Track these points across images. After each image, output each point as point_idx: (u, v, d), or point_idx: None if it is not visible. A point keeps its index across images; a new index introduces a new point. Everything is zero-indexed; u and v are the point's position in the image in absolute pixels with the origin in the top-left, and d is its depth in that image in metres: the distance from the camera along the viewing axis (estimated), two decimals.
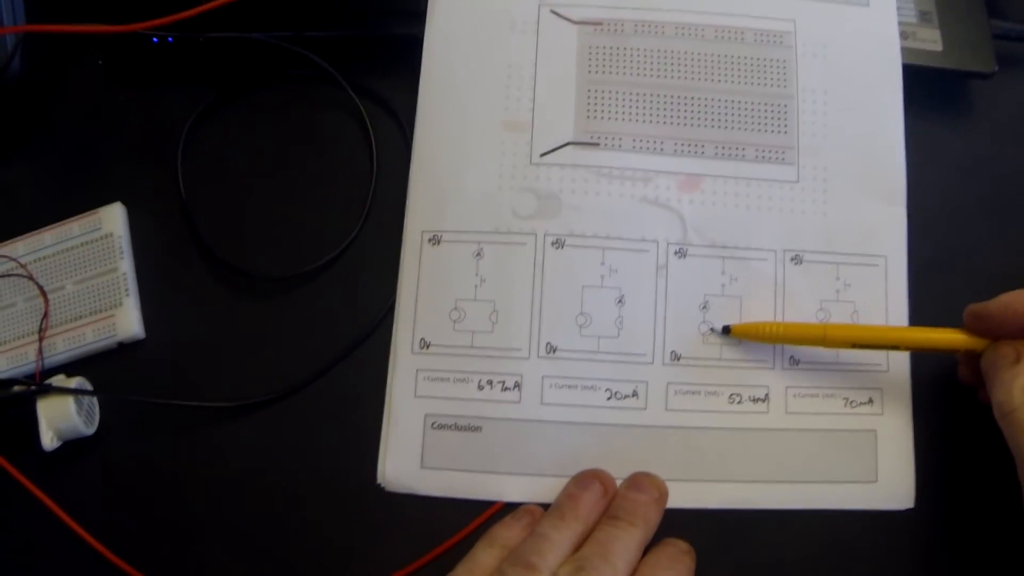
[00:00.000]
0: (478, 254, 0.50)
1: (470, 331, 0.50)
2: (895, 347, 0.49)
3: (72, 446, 0.52)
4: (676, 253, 0.50)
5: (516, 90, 0.52)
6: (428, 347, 0.50)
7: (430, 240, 0.51)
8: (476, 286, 0.50)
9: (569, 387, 0.49)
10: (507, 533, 0.48)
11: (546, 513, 0.48)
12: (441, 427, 0.49)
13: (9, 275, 0.55)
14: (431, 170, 0.52)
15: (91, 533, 0.51)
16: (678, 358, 0.50)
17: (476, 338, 0.50)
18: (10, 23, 0.55)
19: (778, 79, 0.52)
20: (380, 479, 0.50)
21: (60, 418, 0.51)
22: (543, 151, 0.51)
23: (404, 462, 0.50)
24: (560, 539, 0.46)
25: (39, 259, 0.55)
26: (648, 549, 0.47)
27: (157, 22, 0.52)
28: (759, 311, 0.50)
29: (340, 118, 0.55)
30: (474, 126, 0.52)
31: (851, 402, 0.50)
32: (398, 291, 0.51)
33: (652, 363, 0.50)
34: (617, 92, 0.51)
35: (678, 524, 0.49)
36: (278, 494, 0.52)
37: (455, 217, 0.51)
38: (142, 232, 0.55)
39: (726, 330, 0.49)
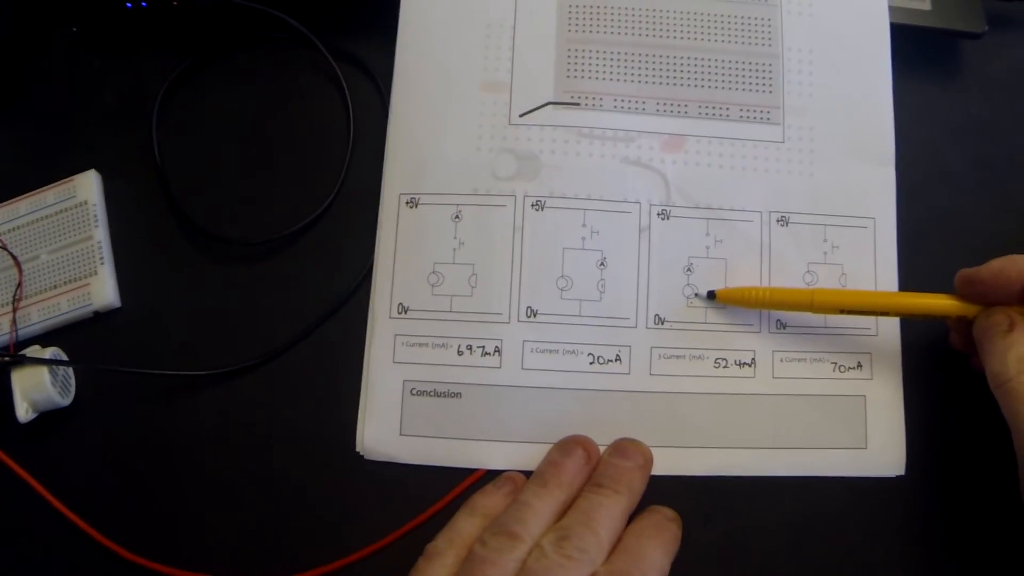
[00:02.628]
0: (456, 216, 0.49)
1: (449, 295, 0.49)
2: (884, 313, 0.48)
3: (48, 417, 0.52)
4: (659, 215, 0.49)
5: (495, 50, 0.51)
6: (406, 312, 0.49)
7: (408, 203, 0.50)
8: (455, 249, 0.49)
9: (550, 352, 0.48)
10: (489, 501, 0.47)
11: (528, 481, 0.47)
12: (420, 393, 0.48)
13: None
14: (408, 132, 0.51)
15: (68, 505, 0.50)
16: (662, 322, 0.49)
17: (455, 302, 0.49)
18: None
19: (762, 37, 0.51)
20: (359, 447, 0.50)
21: (35, 389, 0.50)
22: (522, 111, 0.50)
23: (383, 429, 0.49)
24: (543, 507, 0.45)
25: (14, 228, 0.54)
26: (633, 517, 0.46)
27: None
28: (745, 274, 0.49)
29: (317, 81, 0.54)
30: (452, 87, 0.51)
31: (839, 367, 0.49)
32: (375, 255, 0.50)
33: (635, 327, 0.49)
34: (598, 51, 0.50)
35: (664, 491, 0.48)
36: (258, 463, 0.51)
37: (433, 179, 0.50)
38: (117, 199, 0.54)
39: (711, 295, 0.48)
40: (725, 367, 0.49)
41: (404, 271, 0.50)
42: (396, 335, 0.49)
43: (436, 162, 0.51)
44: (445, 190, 0.50)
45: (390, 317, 0.49)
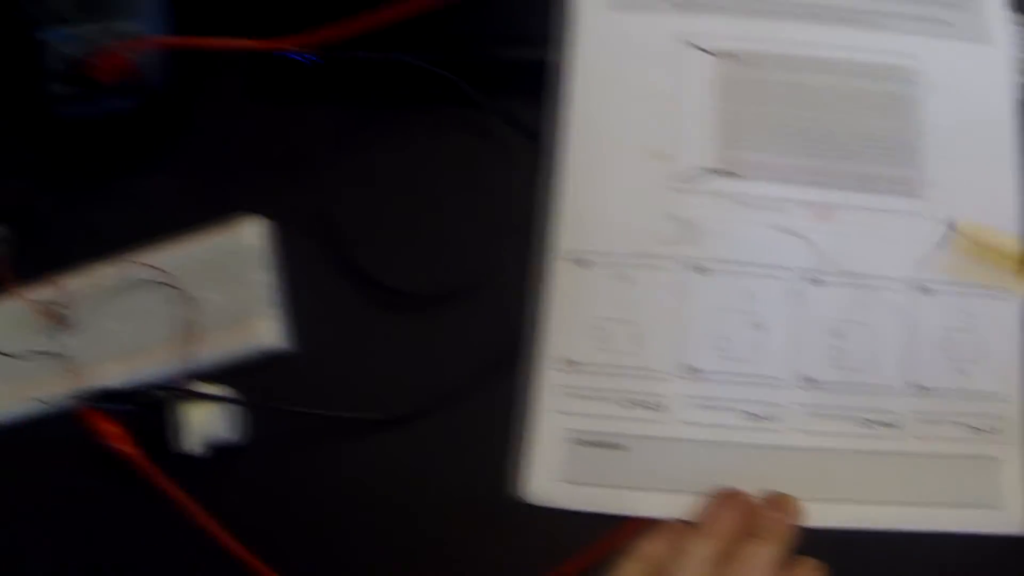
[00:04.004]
0: (622, 277, 0.52)
1: (614, 351, 0.52)
2: None
3: (214, 452, 0.54)
4: (811, 281, 0.52)
5: (657, 119, 0.54)
6: (572, 366, 0.52)
7: (576, 262, 0.53)
8: (621, 308, 0.52)
9: (708, 407, 0.51)
10: (650, 548, 0.50)
11: (688, 530, 0.50)
12: (584, 443, 0.51)
13: (153, 283, 0.56)
14: (575, 194, 0.54)
15: (232, 536, 0.52)
16: (811, 382, 0.51)
17: (620, 358, 0.52)
18: (151, 37, 0.56)
19: (905, 114, 0.54)
20: (523, 492, 0.52)
21: (204, 423, 0.53)
22: (684, 179, 0.53)
23: (547, 476, 0.52)
24: (701, 554, 0.48)
25: (181, 268, 0.56)
26: (782, 567, 0.48)
27: (303, 40, 0.54)
28: (886, 341, 0.52)
29: (480, 140, 0.57)
30: (618, 153, 0.54)
31: (976, 429, 0.52)
32: (543, 311, 0.53)
33: (787, 386, 0.51)
34: (754, 123, 0.53)
35: (810, 542, 0.50)
36: (420, 505, 0.54)
37: (599, 240, 0.53)
38: (283, 245, 0.57)
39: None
40: (869, 427, 0.51)
41: (571, 327, 0.53)
42: (562, 387, 0.52)
43: (602, 224, 0.54)
44: (611, 251, 0.53)
45: (557, 370, 0.52)
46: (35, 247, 0.58)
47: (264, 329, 0.54)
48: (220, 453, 0.54)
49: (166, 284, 0.55)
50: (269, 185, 0.58)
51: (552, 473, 0.51)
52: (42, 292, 0.57)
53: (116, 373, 0.56)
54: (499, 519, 0.52)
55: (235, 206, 0.58)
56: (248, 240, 0.55)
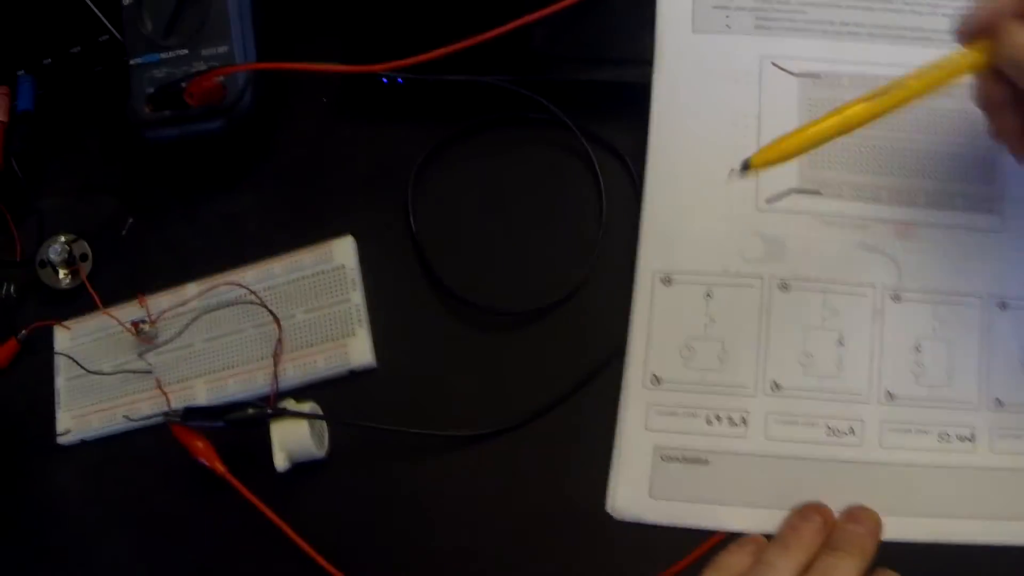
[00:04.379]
0: (708, 295, 0.53)
1: (700, 368, 0.53)
2: (913, 96, 0.47)
3: (301, 469, 0.55)
4: (892, 297, 0.53)
5: (742, 138, 0.55)
6: (659, 382, 0.53)
7: (662, 280, 0.54)
8: (706, 325, 0.53)
9: (792, 423, 0.52)
10: (733, 560, 0.51)
11: (770, 543, 0.51)
12: (670, 459, 0.52)
13: (239, 302, 0.57)
14: (662, 213, 0.55)
15: (319, 553, 0.54)
16: (892, 398, 0.52)
17: (705, 375, 0.53)
18: (242, 61, 0.58)
19: (983, 131, 0.54)
20: (609, 507, 0.53)
21: (294, 441, 0.53)
22: (769, 197, 0.54)
23: (633, 492, 0.53)
24: (784, 568, 0.49)
25: (269, 287, 0.58)
26: None
27: (392, 64, 0.55)
28: (965, 356, 0.53)
29: (567, 160, 0.58)
30: (703, 172, 0.55)
31: None
32: (631, 328, 0.54)
33: (868, 402, 0.52)
34: (837, 142, 0.54)
35: (890, 555, 0.51)
36: (505, 521, 0.54)
37: (686, 259, 0.55)
38: (372, 264, 0.58)
39: (745, 166, 0.48)
40: (948, 441, 0.52)
41: (658, 344, 0.54)
42: (649, 404, 0.53)
43: (688, 242, 0.55)
44: (697, 269, 0.54)
45: (644, 387, 0.53)
46: (123, 266, 0.60)
47: (354, 348, 0.55)
48: (307, 469, 0.55)
49: (254, 303, 0.56)
50: (356, 204, 0.59)
51: (638, 489, 0.53)
52: (130, 311, 0.58)
53: (204, 391, 0.57)
54: (585, 535, 0.53)
55: (322, 225, 0.59)
56: (338, 259, 0.57)
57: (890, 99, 0.47)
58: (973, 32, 0.46)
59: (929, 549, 0.52)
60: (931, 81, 0.47)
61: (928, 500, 0.53)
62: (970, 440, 0.52)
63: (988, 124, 0.50)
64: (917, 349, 0.53)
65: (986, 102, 0.49)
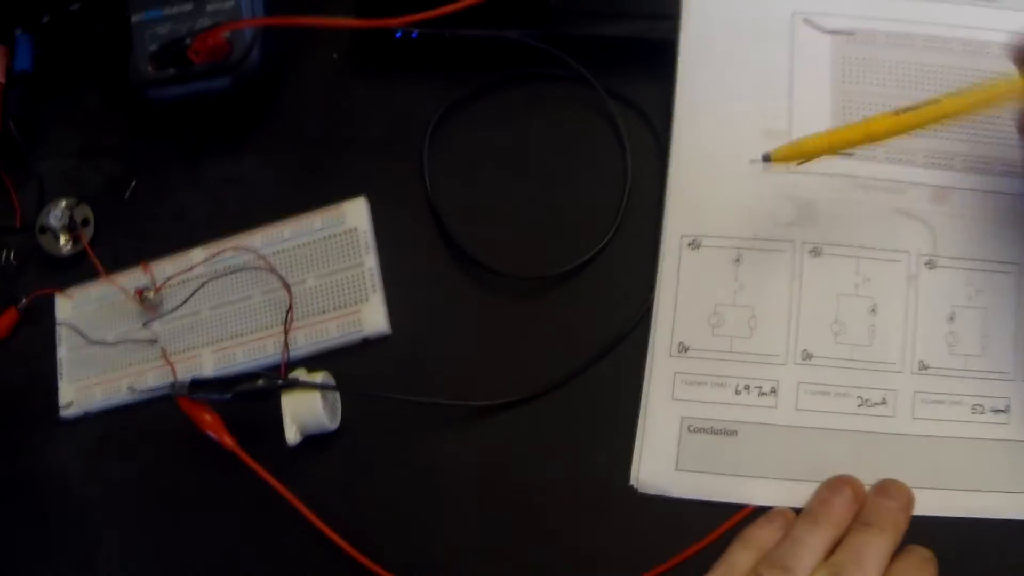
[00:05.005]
0: (737, 259, 0.52)
1: (728, 336, 0.51)
2: (947, 117, 0.47)
3: (312, 441, 0.53)
4: (926, 264, 0.51)
5: (772, 98, 0.53)
6: (686, 351, 0.51)
7: (689, 244, 0.52)
8: (735, 291, 0.51)
9: (823, 394, 0.51)
10: (762, 534, 0.49)
11: (800, 517, 0.49)
12: (697, 430, 0.50)
13: (247, 267, 0.55)
14: (689, 175, 0.53)
15: (331, 528, 0.52)
16: (925, 368, 0.51)
17: (734, 343, 0.51)
18: (249, 16, 0.56)
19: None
20: (634, 480, 0.52)
21: (306, 413, 0.51)
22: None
23: (659, 464, 0.52)
24: (814, 543, 0.47)
25: (278, 252, 0.56)
26: (893, 556, 0.47)
27: (408, 19, 0.53)
28: (1000, 326, 0.51)
29: (590, 119, 0.56)
30: (732, 133, 0.53)
31: None
32: (656, 294, 0.52)
33: (901, 372, 0.51)
34: (870, 103, 0.52)
35: (921, 531, 0.49)
36: (524, 494, 0.53)
37: (714, 222, 0.53)
38: (385, 227, 0.56)
39: (766, 158, 0.49)
40: (981, 413, 0.50)
41: (685, 311, 0.52)
42: (676, 373, 0.51)
43: (717, 206, 0.53)
44: (726, 233, 0.52)
45: (670, 355, 0.51)
46: (126, 231, 0.58)
47: (368, 315, 0.53)
48: (318, 441, 0.53)
49: (263, 268, 0.54)
50: (368, 165, 0.57)
51: (663, 461, 0.51)
52: (134, 278, 0.56)
53: (211, 360, 0.55)
54: (608, 510, 0.51)
55: (333, 188, 0.57)
56: (351, 222, 0.55)
57: (918, 117, 0.46)
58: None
59: (962, 523, 0.50)
60: (967, 104, 0.46)
61: (961, 474, 0.51)
62: (1004, 412, 0.50)
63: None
64: (951, 318, 0.51)
65: None
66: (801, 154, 0.48)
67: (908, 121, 0.46)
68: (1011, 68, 0.47)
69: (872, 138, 0.47)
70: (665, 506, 0.51)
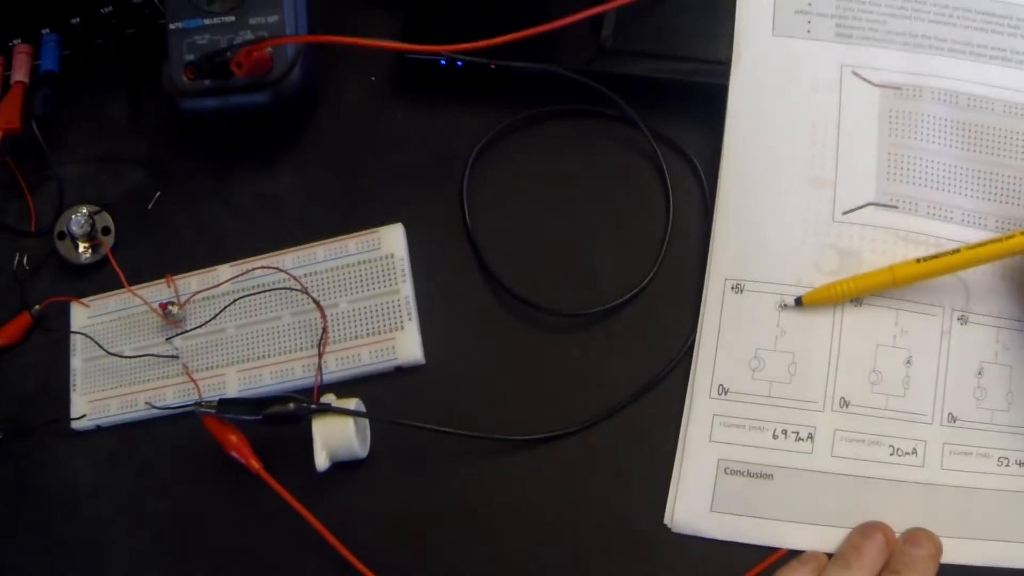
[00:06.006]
0: (780, 306, 0.51)
1: (768, 380, 0.52)
2: (968, 265, 0.51)
3: (340, 469, 0.53)
4: (959, 320, 0.52)
5: (820, 147, 0.53)
6: (726, 393, 0.51)
7: (733, 288, 0.52)
8: (776, 337, 0.52)
9: (857, 441, 0.52)
10: None
11: (832, 560, 0.50)
12: (733, 472, 0.51)
13: (277, 287, 0.54)
14: (736, 220, 0.53)
15: (357, 558, 0.51)
16: (954, 420, 0.52)
17: (773, 388, 0.52)
18: (293, 32, 0.55)
19: None
20: (668, 520, 0.52)
21: (337, 439, 0.51)
22: (846, 209, 0.53)
23: (694, 505, 0.52)
24: None
25: (309, 273, 0.55)
26: None
27: (456, 47, 0.53)
28: None
29: (633, 159, 0.56)
30: (780, 180, 0.54)
31: None
32: (698, 336, 0.53)
33: (931, 423, 0.52)
34: (915, 157, 0.53)
35: None
36: (556, 531, 0.52)
37: (758, 267, 0.53)
38: (422, 256, 0.55)
39: (798, 301, 0.53)
40: (1007, 465, 0.52)
41: (726, 354, 0.53)
42: (714, 415, 0.52)
43: (762, 251, 0.54)
44: (770, 279, 0.52)
45: (710, 397, 0.52)
46: (148, 243, 0.57)
47: (402, 343, 0.53)
48: (346, 469, 0.52)
49: (294, 289, 0.53)
50: (406, 192, 0.56)
51: (699, 502, 0.51)
52: (155, 291, 0.55)
53: (235, 380, 0.54)
54: (641, 549, 0.51)
55: (368, 213, 0.56)
56: (387, 248, 0.54)
57: (939, 265, 0.52)
58: None
59: (987, 573, 0.51)
60: (984, 256, 0.50)
61: (987, 524, 0.52)
62: None
63: None
64: (979, 373, 0.52)
65: None
66: (830, 298, 0.53)
67: (929, 269, 0.51)
68: None
69: (895, 284, 0.52)
70: (699, 547, 0.51)
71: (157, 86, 0.57)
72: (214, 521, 0.54)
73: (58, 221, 0.58)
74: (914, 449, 0.51)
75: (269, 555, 0.53)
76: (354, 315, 0.54)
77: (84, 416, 0.56)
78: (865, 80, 0.54)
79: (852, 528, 0.51)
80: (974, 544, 0.52)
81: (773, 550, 0.51)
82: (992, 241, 0.50)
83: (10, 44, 0.60)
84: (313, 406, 0.51)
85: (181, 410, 0.54)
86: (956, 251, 0.51)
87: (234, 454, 0.51)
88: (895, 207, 0.53)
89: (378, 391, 0.54)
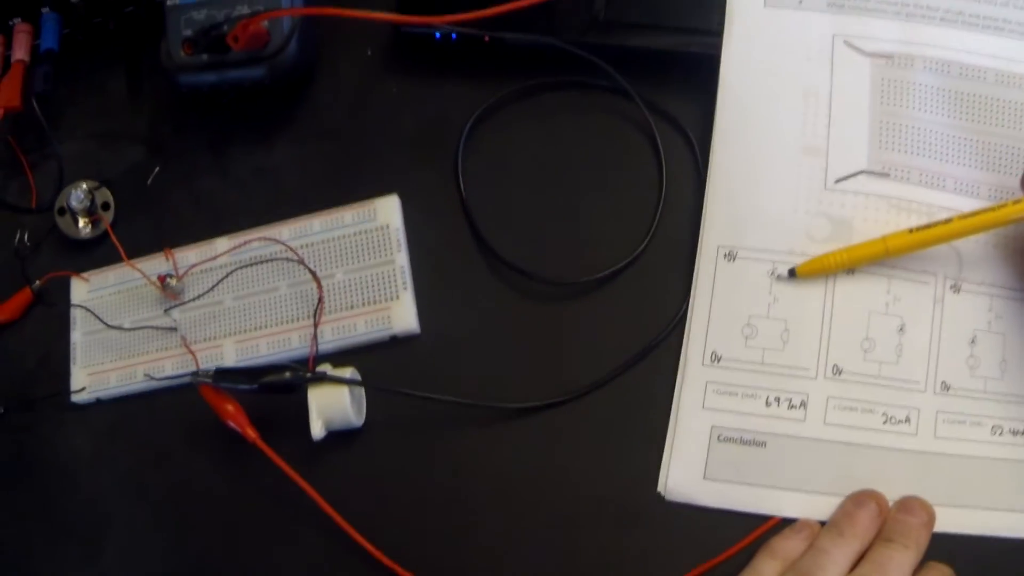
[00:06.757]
0: (772, 273, 0.52)
1: (761, 348, 0.52)
2: (962, 235, 0.51)
3: (336, 437, 0.53)
4: (952, 288, 0.52)
5: (812, 116, 0.54)
6: (719, 360, 0.51)
7: (726, 256, 0.52)
8: (769, 304, 0.52)
9: (850, 409, 0.52)
10: (787, 545, 0.50)
11: (825, 528, 0.50)
12: (727, 440, 0.51)
13: (274, 259, 0.55)
14: (728, 188, 0.54)
15: (353, 526, 0.51)
16: (947, 388, 0.52)
17: (766, 355, 0.52)
18: (288, 5, 0.55)
19: None
20: (662, 488, 0.52)
21: (332, 408, 0.51)
22: (838, 177, 0.53)
23: (687, 472, 0.52)
24: (839, 555, 0.48)
25: (306, 245, 0.55)
26: (914, 571, 0.48)
27: (451, 18, 0.53)
28: (1018, 351, 0.52)
29: (627, 129, 0.56)
30: (772, 148, 0.54)
31: None
32: (691, 304, 0.53)
33: (924, 391, 0.52)
34: (906, 126, 0.53)
35: (941, 548, 0.50)
36: (550, 498, 0.52)
37: (751, 235, 0.53)
38: (417, 227, 0.56)
39: (791, 273, 0.53)
40: (1000, 434, 0.52)
41: (719, 321, 0.53)
42: (708, 382, 0.52)
43: (754, 219, 0.54)
44: (762, 247, 0.53)
45: (703, 364, 0.52)
46: (147, 218, 0.57)
47: (398, 313, 0.53)
48: (341, 438, 0.53)
49: (290, 260, 0.53)
50: (401, 164, 0.57)
51: (692, 470, 0.52)
52: (154, 264, 0.55)
53: (233, 351, 0.54)
54: (634, 517, 0.51)
55: (364, 185, 0.57)
56: (383, 219, 0.54)
57: (931, 235, 0.52)
58: None
59: (982, 542, 0.51)
60: (976, 226, 0.50)
61: (981, 492, 0.52)
62: (1023, 434, 0.50)
63: None
64: (973, 341, 0.52)
65: None
66: (823, 269, 0.53)
67: (922, 239, 0.51)
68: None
69: (888, 254, 0.52)
70: (692, 514, 0.51)
71: (156, 63, 0.57)
72: (211, 490, 0.54)
73: (58, 197, 0.59)
74: (907, 417, 0.51)
75: (265, 523, 0.53)
76: (350, 285, 0.54)
77: (84, 389, 0.56)
78: (857, 49, 0.54)
79: (845, 496, 0.51)
80: (967, 512, 0.52)
81: (766, 518, 0.51)
82: (985, 210, 0.50)
83: (10, 23, 0.60)
84: (309, 375, 0.51)
85: (179, 381, 0.54)
86: (948, 221, 0.51)
87: (231, 423, 0.51)
88: (887, 175, 0.53)
89: (374, 361, 0.54)
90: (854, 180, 0.53)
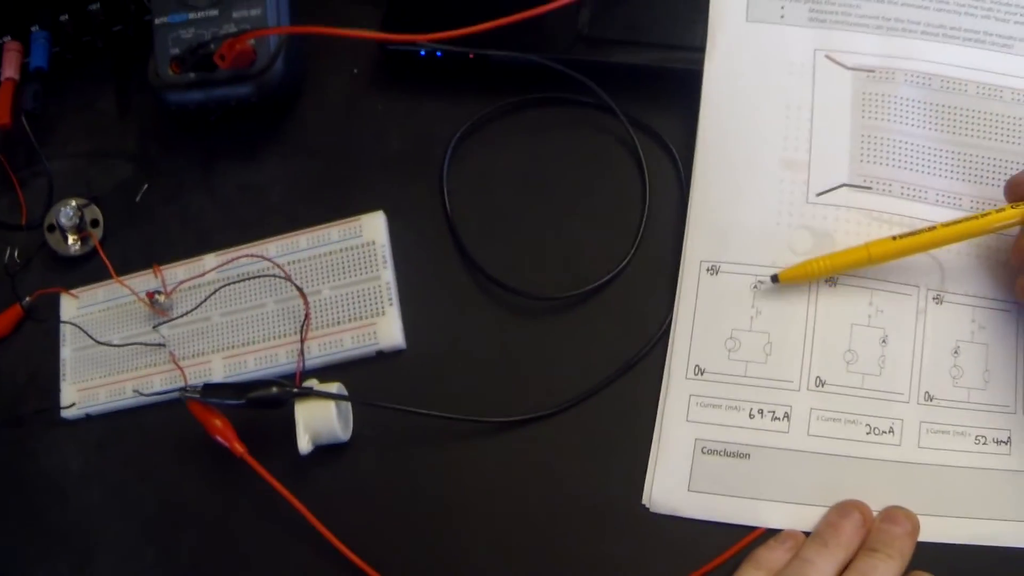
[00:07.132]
0: (755, 286, 0.52)
1: (744, 360, 0.52)
2: (945, 243, 0.51)
3: (323, 452, 0.53)
4: (934, 299, 0.52)
5: (794, 130, 0.54)
6: (702, 373, 0.52)
7: (708, 270, 0.53)
8: (752, 317, 0.52)
9: (834, 420, 0.52)
10: (772, 555, 0.50)
11: (809, 539, 0.50)
12: (710, 452, 0.51)
13: (261, 275, 0.55)
14: (710, 202, 0.54)
15: (341, 540, 0.52)
16: (931, 399, 0.52)
17: (749, 368, 0.52)
18: (275, 24, 0.56)
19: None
20: (646, 500, 0.52)
21: (319, 422, 0.51)
22: (819, 191, 0.53)
23: (671, 484, 0.52)
24: (823, 565, 0.48)
25: (293, 261, 0.56)
26: None
27: (435, 36, 0.53)
28: (1001, 361, 0.52)
29: (609, 145, 0.57)
30: (754, 162, 0.54)
31: None
32: (674, 317, 0.53)
33: (908, 402, 0.52)
34: (888, 139, 0.53)
35: (926, 557, 0.50)
36: (536, 511, 0.53)
37: (733, 249, 0.54)
38: (403, 243, 0.56)
39: (775, 279, 0.53)
40: (984, 444, 0.52)
41: (702, 335, 0.53)
42: (691, 395, 0.52)
43: (737, 233, 0.54)
44: (745, 260, 0.53)
45: (686, 377, 0.52)
46: (136, 235, 0.58)
47: (384, 328, 0.54)
48: (329, 452, 0.53)
49: (278, 276, 0.54)
50: (387, 181, 0.57)
51: (676, 481, 0.52)
52: (143, 281, 0.55)
53: (221, 367, 0.55)
54: (619, 529, 0.52)
55: (351, 201, 0.57)
56: (368, 235, 0.55)
57: (915, 242, 0.52)
58: (1018, 193, 0.49)
59: (966, 551, 0.51)
60: (960, 233, 0.51)
61: (964, 502, 0.52)
62: (1006, 443, 0.52)
63: (1018, 279, 0.51)
64: (955, 352, 0.53)
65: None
66: (806, 276, 0.52)
67: (905, 246, 0.51)
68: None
69: (871, 261, 0.52)
70: (677, 526, 0.52)
71: (144, 81, 0.58)
72: (199, 505, 0.54)
73: (48, 214, 0.59)
74: (891, 428, 0.51)
75: (253, 536, 0.53)
76: (336, 301, 0.54)
77: (73, 405, 0.56)
78: (838, 63, 0.55)
79: (829, 507, 0.51)
80: (951, 522, 0.52)
81: (751, 529, 0.52)
82: (969, 218, 0.50)
83: (0, 42, 0.60)
84: (296, 390, 0.51)
85: (168, 396, 0.54)
86: (932, 228, 0.51)
87: (219, 438, 0.52)
88: (869, 188, 0.53)
89: (360, 376, 0.55)
90: (836, 193, 0.53)
